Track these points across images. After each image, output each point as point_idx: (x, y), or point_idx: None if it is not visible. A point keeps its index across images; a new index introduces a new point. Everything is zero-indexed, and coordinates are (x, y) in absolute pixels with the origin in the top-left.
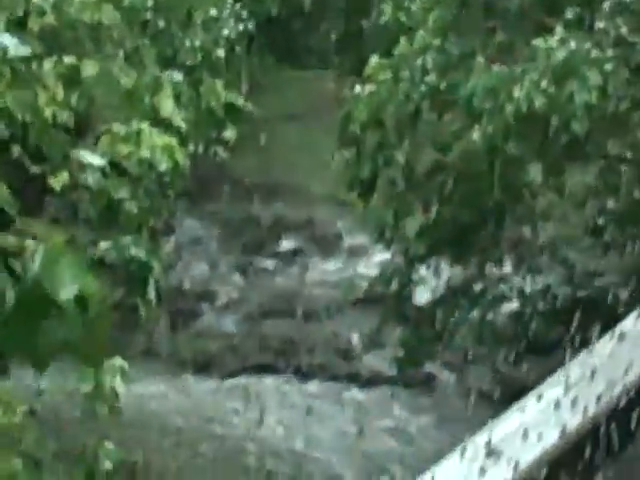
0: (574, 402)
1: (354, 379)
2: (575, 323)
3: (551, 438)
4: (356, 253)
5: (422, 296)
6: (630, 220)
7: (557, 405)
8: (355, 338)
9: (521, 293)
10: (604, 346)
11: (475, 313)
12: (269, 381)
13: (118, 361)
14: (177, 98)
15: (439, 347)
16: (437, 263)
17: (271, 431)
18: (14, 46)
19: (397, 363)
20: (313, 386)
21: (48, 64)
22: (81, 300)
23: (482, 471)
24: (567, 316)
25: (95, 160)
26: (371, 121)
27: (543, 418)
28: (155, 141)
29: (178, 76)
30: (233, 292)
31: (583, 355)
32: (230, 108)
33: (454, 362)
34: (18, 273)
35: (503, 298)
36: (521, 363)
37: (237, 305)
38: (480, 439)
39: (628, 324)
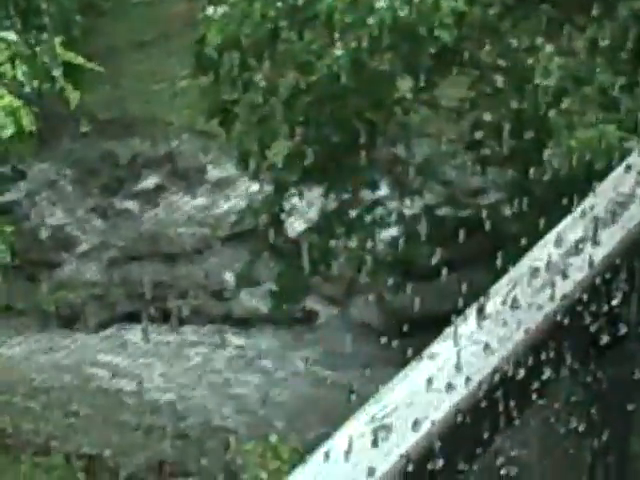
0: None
1: (229, 320)
2: (458, 244)
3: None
4: (222, 186)
5: (295, 227)
6: (508, 132)
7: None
8: (228, 277)
9: (400, 216)
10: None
11: (353, 241)
12: (140, 330)
13: None
14: (12, 60)
15: (317, 280)
16: (309, 190)
17: (147, 383)
18: None
19: (274, 300)
20: (187, 331)
21: None
22: None
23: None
24: (449, 238)
25: None
26: (227, 44)
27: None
28: None
29: (12, 35)
30: (94, 237)
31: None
32: (70, 67)
33: (334, 295)
34: None
35: (382, 223)
36: (405, 290)
37: (99, 251)
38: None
39: (491, 305)
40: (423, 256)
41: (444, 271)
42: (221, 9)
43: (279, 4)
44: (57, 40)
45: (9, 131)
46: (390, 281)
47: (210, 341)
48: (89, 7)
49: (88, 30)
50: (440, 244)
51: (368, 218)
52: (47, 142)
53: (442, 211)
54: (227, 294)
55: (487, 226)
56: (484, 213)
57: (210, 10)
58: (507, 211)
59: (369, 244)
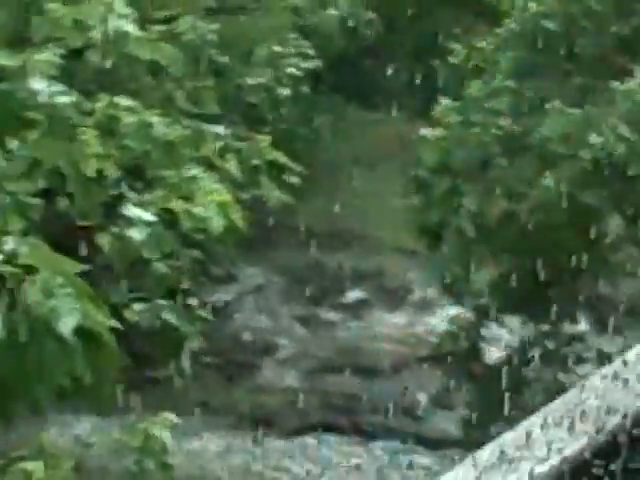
0: None
1: (420, 441)
2: None
3: None
4: (425, 306)
5: (492, 353)
6: None
7: None
8: (422, 397)
9: (599, 354)
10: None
11: (548, 373)
12: (331, 441)
13: (169, 415)
14: (221, 153)
15: (509, 408)
16: (509, 319)
17: None
18: (52, 93)
19: (465, 425)
20: (377, 447)
21: (92, 111)
22: (85, 333)
23: None
24: None
25: (144, 215)
26: (440, 166)
27: None
28: (209, 198)
29: (221, 129)
30: (295, 345)
31: None
32: (275, 168)
33: None
34: (17, 302)
35: (579, 358)
36: None
37: (299, 359)
38: None
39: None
40: None
41: None
42: (437, 131)
43: (495, 131)
44: (265, 138)
45: (219, 225)
46: None
47: (398, 460)
48: (314, 122)
49: (312, 142)
50: None
51: (565, 352)
52: (258, 248)
53: None
54: (419, 414)
55: None
56: None
57: (426, 132)
58: None
59: (563, 378)
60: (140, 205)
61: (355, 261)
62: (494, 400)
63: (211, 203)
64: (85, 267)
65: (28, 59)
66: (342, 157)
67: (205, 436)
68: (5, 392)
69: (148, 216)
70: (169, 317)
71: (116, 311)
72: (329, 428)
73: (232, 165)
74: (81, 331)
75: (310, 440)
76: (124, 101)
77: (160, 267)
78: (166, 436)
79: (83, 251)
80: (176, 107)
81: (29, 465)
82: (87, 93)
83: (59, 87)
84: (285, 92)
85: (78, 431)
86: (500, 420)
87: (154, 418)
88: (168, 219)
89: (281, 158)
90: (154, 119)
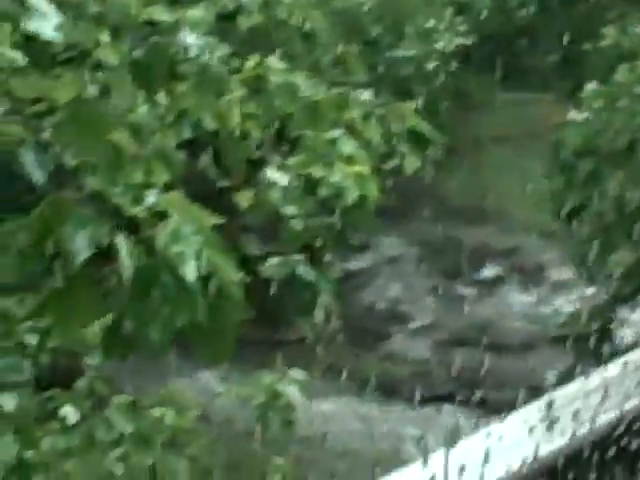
0: None
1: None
2: None
3: None
4: (558, 287)
5: (623, 336)
6: None
7: None
8: (549, 375)
9: None
10: None
11: None
12: (455, 413)
13: (298, 373)
14: (364, 119)
15: None
16: None
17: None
18: (203, 48)
19: None
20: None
21: (240, 69)
22: (209, 280)
23: None
24: None
25: (282, 180)
26: (584, 149)
27: None
28: (348, 167)
29: (367, 95)
30: (426, 316)
31: None
32: (415, 136)
33: None
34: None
35: None
36: None
37: (429, 330)
38: None
39: None
40: None
41: None
42: (585, 114)
43: None
44: (409, 105)
45: (354, 196)
46: None
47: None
48: (461, 98)
49: (460, 120)
50: None
51: None
52: (396, 218)
53: None
54: (544, 393)
55: None
56: None
57: (573, 114)
58: None
59: None
60: (281, 168)
61: (491, 238)
62: None
63: (348, 173)
64: (221, 220)
65: (182, 15)
66: (486, 134)
67: (329, 398)
68: (126, 335)
69: (286, 180)
70: (303, 272)
71: (250, 264)
72: (454, 400)
73: (374, 132)
74: (206, 278)
75: (433, 410)
76: (273, 62)
77: (297, 223)
78: (293, 394)
79: (222, 209)
80: (323, 72)
81: (159, 411)
82: (239, 55)
83: (210, 43)
84: (435, 66)
85: (205, 382)
86: None
87: (281, 375)
88: (307, 184)
89: (424, 127)
90: (300, 80)
